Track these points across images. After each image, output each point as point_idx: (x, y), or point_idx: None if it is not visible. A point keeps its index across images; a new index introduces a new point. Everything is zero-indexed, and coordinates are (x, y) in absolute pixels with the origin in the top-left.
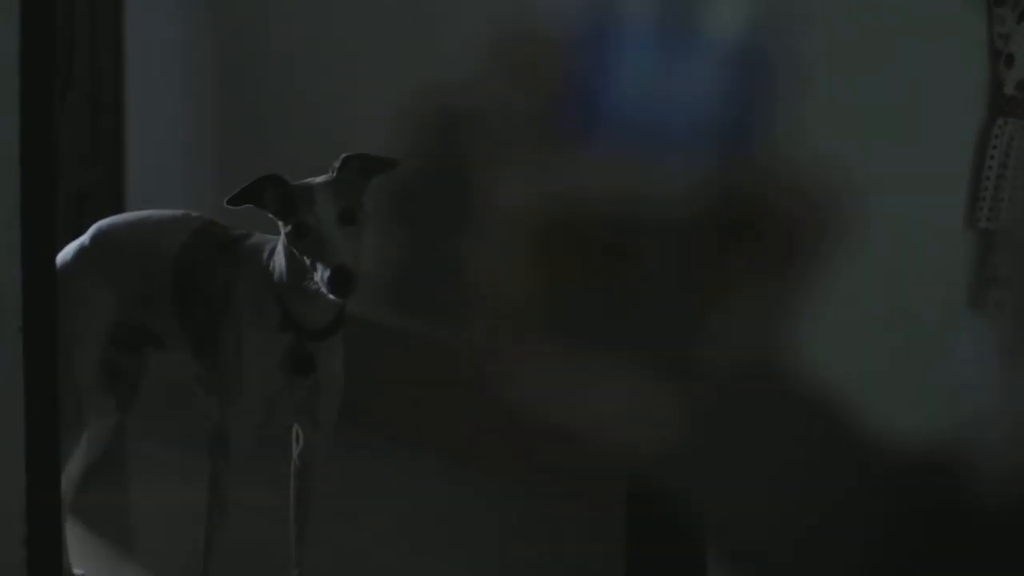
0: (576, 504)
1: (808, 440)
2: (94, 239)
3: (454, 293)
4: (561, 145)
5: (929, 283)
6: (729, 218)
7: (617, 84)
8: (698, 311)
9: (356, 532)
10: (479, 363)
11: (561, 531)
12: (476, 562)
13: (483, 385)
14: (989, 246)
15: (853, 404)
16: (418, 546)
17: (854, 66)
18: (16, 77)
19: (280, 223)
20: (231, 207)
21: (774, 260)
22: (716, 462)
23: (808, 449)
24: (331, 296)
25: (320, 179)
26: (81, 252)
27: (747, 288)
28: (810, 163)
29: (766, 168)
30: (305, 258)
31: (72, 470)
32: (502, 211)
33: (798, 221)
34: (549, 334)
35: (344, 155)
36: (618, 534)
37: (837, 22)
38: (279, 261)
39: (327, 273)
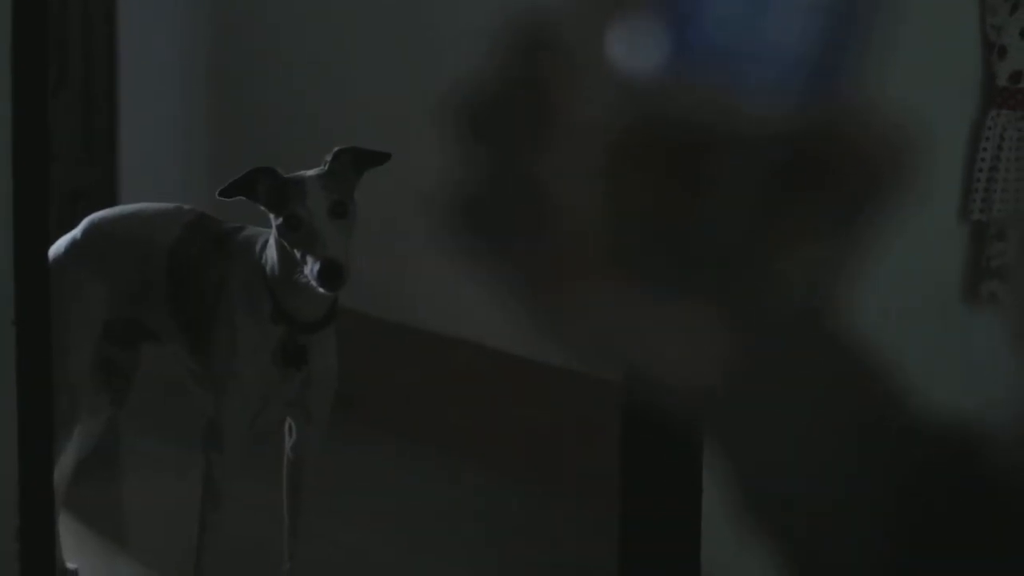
0: (570, 501)
1: (849, 402)
2: (86, 232)
3: (528, 215)
4: (643, 69)
5: (922, 275)
6: (808, 157)
7: (706, 12)
8: (765, 252)
9: (350, 526)
10: (541, 289)
11: (555, 528)
12: (470, 557)
13: (542, 314)
14: (983, 238)
15: (894, 372)
16: (412, 541)
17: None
18: (8, 74)
19: (272, 215)
20: (223, 199)
21: (848, 206)
22: (755, 408)
23: (848, 412)
24: (321, 289)
25: (312, 172)
26: (73, 246)
27: (817, 234)
28: (890, 110)
29: (850, 110)
30: (296, 251)
31: (65, 464)
32: (578, 132)
33: (877, 165)
34: (614, 261)
35: (336, 148)
36: (612, 533)
37: None
38: (271, 254)
39: (317, 266)
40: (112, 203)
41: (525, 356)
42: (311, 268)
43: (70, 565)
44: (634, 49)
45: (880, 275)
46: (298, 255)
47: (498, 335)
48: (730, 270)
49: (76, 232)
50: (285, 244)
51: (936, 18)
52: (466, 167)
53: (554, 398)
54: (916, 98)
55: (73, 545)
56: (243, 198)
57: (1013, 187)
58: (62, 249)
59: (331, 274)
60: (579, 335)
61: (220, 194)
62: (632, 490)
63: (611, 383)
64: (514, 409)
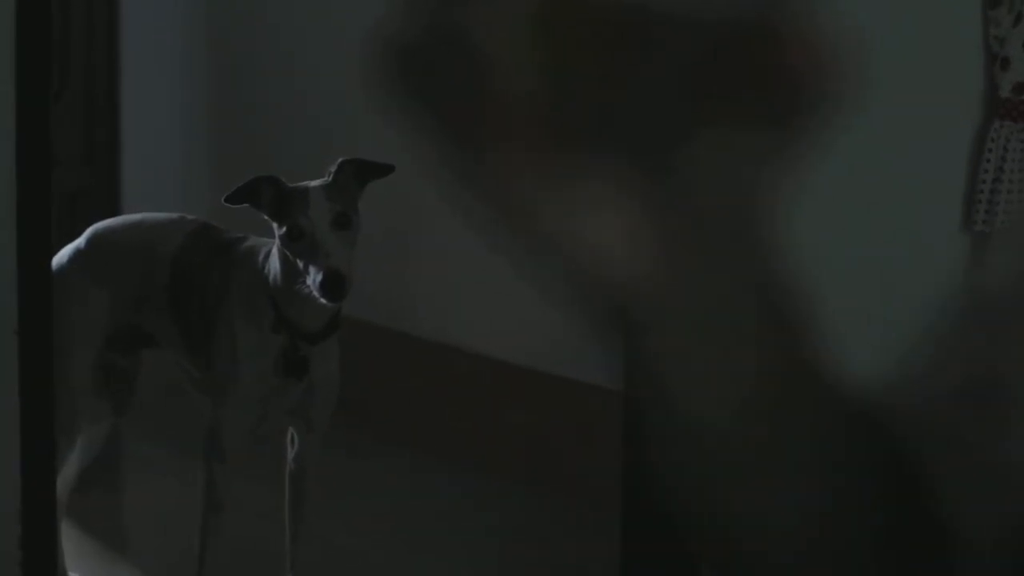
0: (571, 508)
1: (767, 314)
2: (90, 242)
3: (459, 67)
4: None
5: (924, 286)
6: (742, 46)
7: None
8: (691, 130)
9: (352, 533)
10: (472, 152)
11: (556, 534)
12: (472, 562)
13: (466, 176)
14: (985, 249)
15: (815, 314)
16: (414, 547)
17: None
18: (11, 78)
19: (274, 225)
20: (228, 205)
21: (773, 102)
22: (678, 303)
23: (763, 321)
24: (322, 300)
25: (316, 182)
26: (77, 255)
27: (740, 123)
28: (832, 23)
29: (795, 7)
30: (298, 261)
31: (67, 472)
32: None
33: (809, 68)
34: (543, 125)
35: (341, 159)
36: (614, 534)
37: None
38: (274, 264)
39: (319, 276)
40: (113, 206)
41: (525, 364)
42: (313, 278)
43: (72, 573)
44: None
45: (881, 274)
46: (300, 265)
47: (498, 344)
48: (658, 150)
49: (80, 241)
50: (287, 254)
51: (939, 30)
52: (404, 17)
53: (554, 405)
54: (860, 19)
55: (74, 552)
56: (246, 207)
57: (1016, 198)
58: (65, 258)
59: (333, 285)
60: (499, 200)
61: (225, 200)
62: (633, 495)
63: (612, 391)
64: (515, 416)
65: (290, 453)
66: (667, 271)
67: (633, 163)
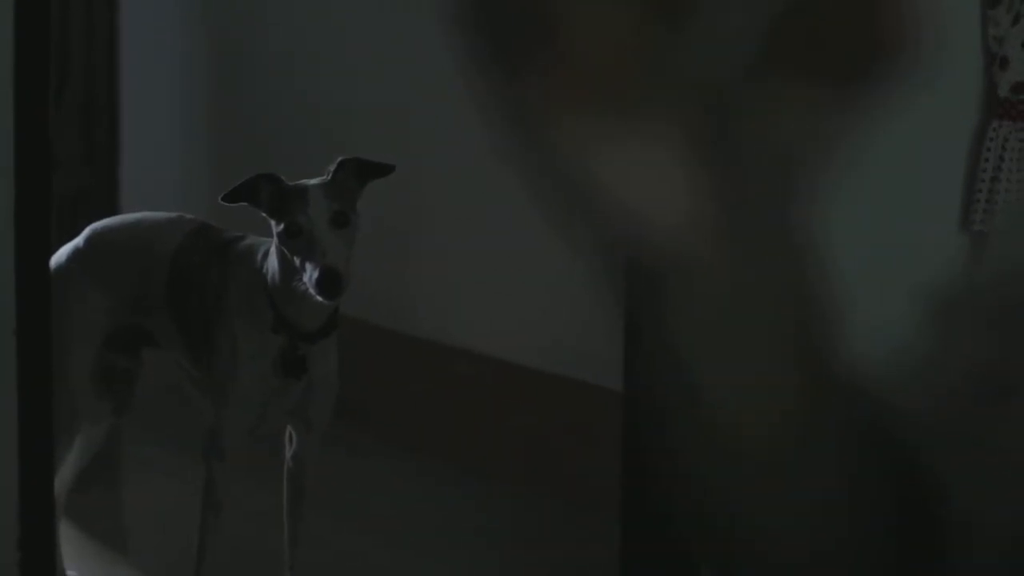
0: (572, 510)
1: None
2: (88, 241)
3: (531, 33)
4: None
5: (923, 286)
6: (811, 11)
7: None
8: (751, 91)
9: (351, 534)
10: (530, 117)
11: (556, 536)
12: (471, 563)
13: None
14: (984, 248)
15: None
16: (414, 548)
17: None
18: (11, 78)
19: (272, 222)
20: (225, 204)
21: (844, 70)
22: (706, 282)
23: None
24: (319, 297)
25: (315, 181)
26: (75, 254)
27: (808, 85)
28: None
29: None
30: (295, 258)
31: (66, 472)
32: None
33: (880, 37)
34: (606, 88)
35: (340, 158)
36: (614, 535)
37: None
38: (272, 263)
39: (315, 274)
40: (112, 206)
41: (526, 365)
42: (310, 276)
43: (70, 573)
44: None
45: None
46: (297, 263)
47: (499, 344)
48: (719, 108)
49: (78, 241)
50: (285, 252)
51: (938, 29)
52: None
53: (556, 407)
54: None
55: (73, 552)
56: (246, 205)
57: (1015, 198)
58: (64, 258)
59: (329, 282)
60: (544, 148)
61: (223, 199)
62: (633, 498)
63: (613, 392)
64: (515, 417)
65: (288, 452)
66: (698, 224)
67: (680, 119)
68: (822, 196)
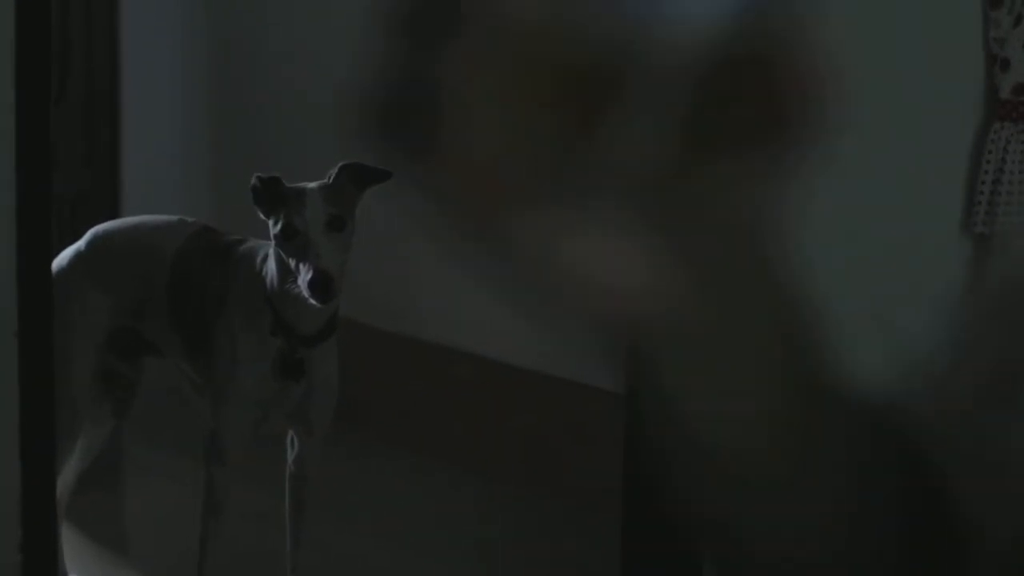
0: (572, 512)
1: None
2: (90, 244)
3: (436, 114)
4: None
5: (925, 289)
6: (723, 78)
7: None
8: (683, 167)
9: (353, 537)
10: (462, 199)
11: (558, 539)
12: (472, 564)
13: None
14: (985, 251)
15: (824, 322)
16: (414, 549)
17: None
18: (11, 80)
19: (270, 223)
20: (259, 210)
21: (759, 128)
22: (688, 324)
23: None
24: (311, 300)
25: (314, 184)
26: (77, 257)
27: (731, 151)
28: (815, 50)
29: (773, 35)
30: (290, 260)
31: (67, 475)
32: (491, 35)
33: (790, 97)
34: (530, 178)
35: (340, 163)
36: (614, 536)
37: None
38: (271, 266)
39: (308, 276)
40: (113, 208)
41: (527, 367)
42: (303, 278)
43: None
44: None
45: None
46: (292, 264)
47: (499, 346)
48: (651, 189)
49: (80, 244)
50: (281, 253)
51: (939, 31)
52: (383, 68)
53: (556, 409)
54: (842, 46)
55: (74, 555)
56: (249, 205)
57: (1016, 200)
58: (65, 260)
59: (320, 285)
60: (499, 248)
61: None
62: (634, 500)
63: (613, 394)
64: (516, 418)
65: (290, 455)
66: (676, 295)
67: (625, 205)
68: (795, 226)
